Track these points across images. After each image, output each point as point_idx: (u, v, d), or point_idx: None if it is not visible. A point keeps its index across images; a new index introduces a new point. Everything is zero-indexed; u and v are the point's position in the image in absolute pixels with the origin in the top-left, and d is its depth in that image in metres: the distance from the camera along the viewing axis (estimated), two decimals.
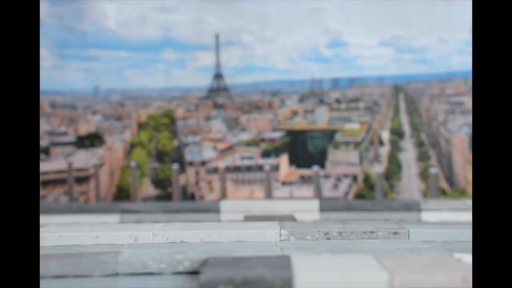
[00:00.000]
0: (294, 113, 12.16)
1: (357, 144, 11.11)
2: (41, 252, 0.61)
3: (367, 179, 10.33)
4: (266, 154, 11.10)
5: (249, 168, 10.32)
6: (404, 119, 12.74)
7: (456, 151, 10.61)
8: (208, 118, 12.03)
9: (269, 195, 6.66)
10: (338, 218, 1.42)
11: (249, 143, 11.32)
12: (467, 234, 0.85)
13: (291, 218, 1.36)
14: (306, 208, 1.48)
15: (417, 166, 11.28)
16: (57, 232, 0.88)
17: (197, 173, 10.37)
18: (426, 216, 1.40)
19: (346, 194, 9.33)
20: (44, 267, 0.58)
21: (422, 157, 11.58)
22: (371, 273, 0.53)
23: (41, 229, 0.78)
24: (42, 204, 1.52)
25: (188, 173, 10.42)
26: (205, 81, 12.33)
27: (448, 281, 0.52)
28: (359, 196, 9.50)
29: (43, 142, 10.41)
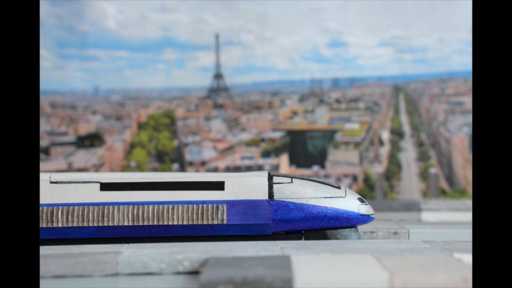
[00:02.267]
0: (294, 113, 12.16)
1: (357, 144, 11.11)
2: (41, 252, 0.61)
3: (367, 179, 10.32)
4: (266, 154, 11.10)
5: (249, 168, 10.31)
6: (404, 119, 12.73)
7: (456, 151, 10.61)
8: (208, 118, 12.03)
9: None
10: None
11: (249, 143, 11.32)
12: (467, 234, 0.85)
13: None
14: None
15: (417, 166, 11.28)
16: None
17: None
18: (426, 216, 1.40)
19: None
20: (44, 267, 0.58)
21: (422, 157, 11.57)
22: (371, 273, 0.53)
23: None
24: None
25: None
26: (205, 81, 12.32)
27: (448, 281, 0.52)
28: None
29: (43, 142, 10.40)
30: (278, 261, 0.56)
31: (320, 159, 11.07)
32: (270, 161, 10.70)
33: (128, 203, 0.77)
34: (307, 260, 0.57)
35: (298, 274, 0.52)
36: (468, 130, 10.24)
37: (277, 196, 0.80)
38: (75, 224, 0.76)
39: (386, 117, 12.60)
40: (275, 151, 11.16)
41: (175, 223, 0.77)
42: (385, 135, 12.21)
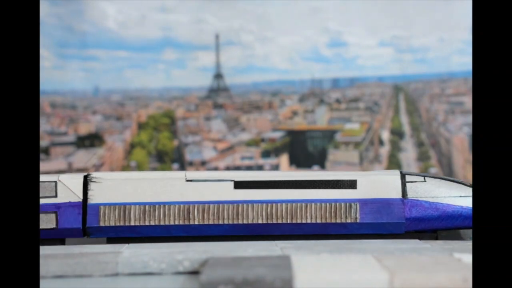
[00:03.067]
0: (294, 113, 12.17)
1: (357, 144, 11.12)
2: (41, 252, 0.61)
3: None
4: (266, 154, 11.11)
5: (249, 168, 10.32)
6: (404, 119, 12.73)
7: (456, 151, 10.61)
8: (208, 118, 12.03)
9: None
10: None
11: (249, 143, 11.32)
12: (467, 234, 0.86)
13: None
14: None
15: (417, 166, 11.28)
16: None
17: None
18: None
19: None
20: (44, 267, 0.58)
21: (422, 157, 11.58)
22: (371, 273, 0.53)
23: None
24: None
25: None
26: (205, 81, 12.34)
27: (448, 281, 0.52)
28: None
29: (43, 142, 10.41)
30: (278, 261, 0.56)
31: (320, 159, 11.08)
32: (270, 161, 10.71)
33: (261, 201, 0.78)
34: (307, 260, 0.57)
35: (298, 274, 0.52)
36: (468, 130, 10.24)
37: (410, 194, 0.79)
38: (210, 222, 0.77)
39: (386, 117, 12.61)
40: (275, 151, 11.17)
41: (308, 221, 0.78)
42: (385, 135, 12.21)
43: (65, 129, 11.22)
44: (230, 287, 0.51)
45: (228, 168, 10.03)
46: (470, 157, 8.97)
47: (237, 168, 10.32)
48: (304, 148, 11.42)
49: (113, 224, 0.76)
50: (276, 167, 10.44)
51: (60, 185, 0.76)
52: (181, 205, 0.77)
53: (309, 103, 12.26)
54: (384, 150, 11.73)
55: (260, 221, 0.77)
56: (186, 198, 0.77)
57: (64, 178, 0.77)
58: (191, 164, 10.70)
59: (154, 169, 11.21)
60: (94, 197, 0.76)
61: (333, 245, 0.69)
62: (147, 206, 0.76)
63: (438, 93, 12.08)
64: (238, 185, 0.78)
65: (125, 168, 10.84)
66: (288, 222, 0.77)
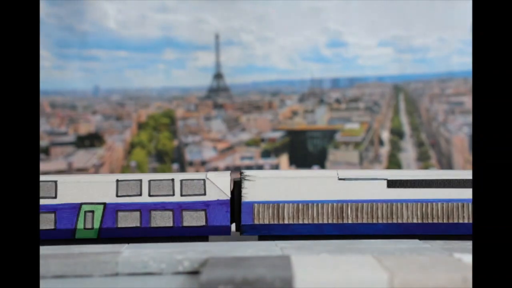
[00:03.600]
0: (294, 113, 12.16)
1: (357, 144, 11.12)
2: (41, 252, 0.61)
3: None
4: (266, 154, 11.10)
5: (249, 168, 10.30)
6: (404, 119, 12.72)
7: (456, 151, 10.61)
8: (208, 118, 12.02)
9: None
10: None
11: (249, 143, 11.32)
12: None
13: None
14: None
15: (417, 166, 11.26)
16: None
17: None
18: None
19: None
20: (44, 267, 0.58)
21: (422, 157, 11.57)
22: (371, 273, 0.53)
23: None
24: None
25: None
26: (205, 81, 12.33)
27: (448, 281, 0.52)
28: None
29: (43, 142, 10.40)
30: (278, 261, 0.56)
31: (320, 159, 11.08)
32: (270, 161, 10.71)
33: (416, 201, 0.77)
34: (307, 260, 0.57)
35: (298, 274, 0.52)
36: (468, 130, 10.24)
37: None
38: (364, 221, 0.77)
39: (386, 117, 12.60)
40: (275, 151, 11.17)
41: (465, 221, 0.77)
42: (385, 135, 12.21)
43: (65, 129, 11.21)
44: (230, 287, 0.51)
45: (228, 168, 10.02)
46: (470, 157, 8.97)
47: (237, 168, 10.31)
48: (304, 148, 11.41)
49: (267, 222, 0.76)
50: (276, 167, 10.43)
51: (209, 183, 0.77)
52: (334, 204, 0.77)
53: (309, 103, 12.25)
54: (384, 150, 11.72)
55: (415, 221, 0.76)
56: (339, 197, 0.77)
57: (212, 176, 0.78)
58: (191, 164, 10.69)
59: (154, 169, 11.19)
60: (248, 195, 0.76)
61: (333, 245, 0.69)
62: (300, 205, 0.76)
63: (438, 93, 12.07)
64: (392, 184, 0.78)
65: (125, 168, 10.83)
66: (444, 222, 0.77)
